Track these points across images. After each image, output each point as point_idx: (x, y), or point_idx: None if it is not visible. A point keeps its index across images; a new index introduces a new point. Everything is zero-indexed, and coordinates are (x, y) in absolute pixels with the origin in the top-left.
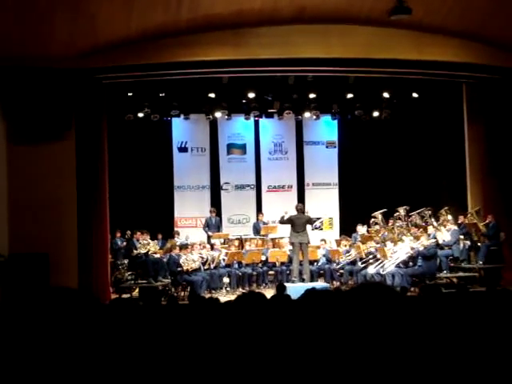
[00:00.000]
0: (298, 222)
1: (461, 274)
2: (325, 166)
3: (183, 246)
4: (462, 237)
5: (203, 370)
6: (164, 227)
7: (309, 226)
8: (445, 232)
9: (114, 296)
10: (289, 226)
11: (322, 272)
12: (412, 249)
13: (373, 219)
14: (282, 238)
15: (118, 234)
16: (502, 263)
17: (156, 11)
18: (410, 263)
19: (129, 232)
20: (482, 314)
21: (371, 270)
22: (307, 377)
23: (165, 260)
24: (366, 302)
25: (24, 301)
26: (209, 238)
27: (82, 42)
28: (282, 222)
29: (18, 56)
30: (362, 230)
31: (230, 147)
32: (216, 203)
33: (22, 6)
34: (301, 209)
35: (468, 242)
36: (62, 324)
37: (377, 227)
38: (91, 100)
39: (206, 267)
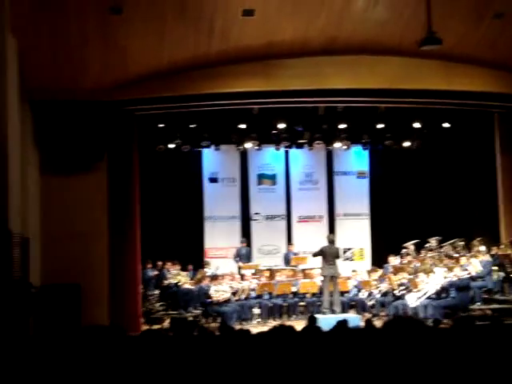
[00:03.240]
0: (329, 253)
1: (495, 305)
2: (356, 196)
3: (213, 277)
4: (495, 268)
5: None
6: (194, 258)
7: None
8: (477, 263)
9: (144, 327)
10: (319, 257)
11: (353, 303)
12: (445, 279)
13: (404, 250)
14: (312, 268)
15: (149, 265)
16: None
17: (187, 44)
18: (443, 295)
19: (160, 263)
20: None
21: (411, 299)
22: None
23: (195, 291)
24: (398, 337)
25: (56, 337)
26: (239, 268)
27: (113, 74)
28: (315, 254)
29: (52, 89)
30: (394, 261)
31: (261, 177)
32: (246, 233)
33: (56, 41)
34: (332, 239)
35: (502, 274)
36: (94, 360)
37: (409, 258)
38: (123, 131)
39: (236, 298)
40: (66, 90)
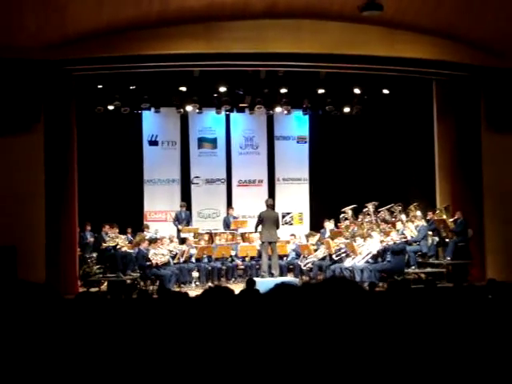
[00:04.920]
0: (268, 218)
1: (429, 269)
2: (295, 161)
3: (152, 240)
4: (430, 233)
5: (170, 364)
6: (133, 221)
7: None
8: (413, 228)
9: (82, 290)
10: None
11: (291, 267)
12: (382, 243)
13: (342, 214)
14: (251, 232)
15: (88, 228)
16: (470, 259)
17: (127, 3)
18: (379, 259)
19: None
20: (449, 310)
21: (347, 263)
22: (273, 371)
23: (134, 254)
24: (333, 297)
25: None
26: (178, 232)
27: (51, 33)
28: (257, 225)
29: None
30: (329, 225)
31: (201, 141)
32: (186, 197)
33: None
34: (271, 204)
35: (436, 238)
36: (24, 318)
37: (346, 223)
38: (60, 92)
39: (175, 261)
40: (1, 47)
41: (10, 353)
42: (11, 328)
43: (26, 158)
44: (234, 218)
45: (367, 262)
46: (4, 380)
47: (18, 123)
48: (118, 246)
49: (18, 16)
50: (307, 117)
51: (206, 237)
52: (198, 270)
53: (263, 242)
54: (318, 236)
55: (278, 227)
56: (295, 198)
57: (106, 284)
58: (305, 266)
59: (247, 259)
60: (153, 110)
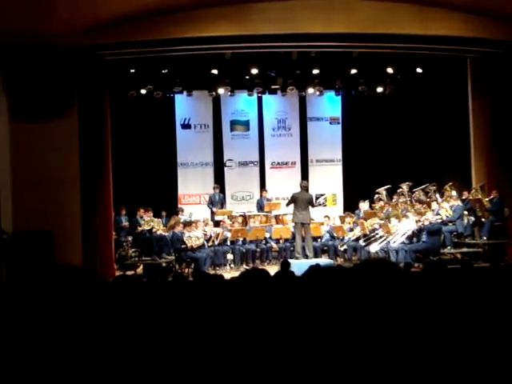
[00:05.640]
0: (301, 200)
1: (465, 249)
2: (328, 142)
3: (187, 223)
4: (466, 212)
5: (206, 347)
6: (168, 204)
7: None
8: (448, 208)
9: (118, 273)
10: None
11: (325, 248)
12: (418, 223)
13: (377, 195)
14: (285, 214)
15: (123, 212)
16: (506, 239)
17: None
18: (414, 239)
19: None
20: (485, 290)
21: (375, 247)
22: (310, 354)
23: (169, 237)
24: (369, 279)
25: (28, 279)
26: (212, 214)
27: (83, 18)
28: (288, 203)
29: (20, 33)
30: (364, 206)
31: (234, 124)
32: (219, 180)
33: None
34: (305, 186)
35: (472, 218)
36: (66, 302)
37: (381, 203)
38: (93, 77)
39: (209, 244)
40: (35, 34)
41: (55, 334)
42: (56, 311)
43: (60, 143)
44: (268, 200)
45: (402, 242)
46: (49, 362)
47: (52, 108)
48: (153, 230)
49: (51, 2)
50: (340, 97)
51: (240, 219)
52: (233, 253)
53: (296, 223)
54: (352, 217)
55: (312, 206)
56: (328, 179)
57: (141, 267)
58: (342, 246)
59: (281, 241)
60: (185, 93)
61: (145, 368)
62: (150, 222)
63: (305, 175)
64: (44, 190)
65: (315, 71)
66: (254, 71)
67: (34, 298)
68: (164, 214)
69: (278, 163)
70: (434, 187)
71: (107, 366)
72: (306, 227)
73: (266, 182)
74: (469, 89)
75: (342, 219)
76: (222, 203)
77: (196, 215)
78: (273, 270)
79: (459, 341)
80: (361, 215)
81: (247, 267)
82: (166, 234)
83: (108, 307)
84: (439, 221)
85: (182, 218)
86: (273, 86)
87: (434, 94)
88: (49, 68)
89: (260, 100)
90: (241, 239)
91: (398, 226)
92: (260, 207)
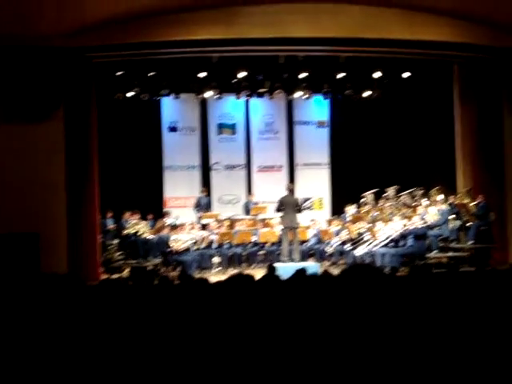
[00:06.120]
0: (289, 203)
1: (451, 253)
2: (315, 145)
3: (173, 226)
4: (452, 217)
5: (192, 349)
6: (154, 207)
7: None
8: (434, 212)
9: (104, 276)
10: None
11: (312, 252)
12: (404, 227)
13: (363, 199)
14: (272, 218)
15: (110, 214)
16: (492, 243)
17: None
18: (401, 243)
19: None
20: (471, 294)
21: (361, 251)
22: (295, 356)
23: (155, 240)
24: (355, 284)
25: (14, 286)
26: (199, 218)
27: (71, 20)
28: (277, 209)
29: (6, 34)
30: (351, 210)
31: (221, 127)
32: (206, 183)
33: None
34: (291, 189)
35: (458, 222)
36: (51, 308)
37: (367, 207)
38: (80, 79)
39: (196, 247)
40: (21, 36)
41: (42, 336)
42: (41, 317)
43: (46, 146)
44: (254, 203)
45: (387, 246)
46: (33, 367)
47: (38, 110)
48: (139, 233)
49: (38, 4)
50: (327, 101)
51: (227, 222)
52: (219, 256)
53: (284, 228)
54: (339, 221)
55: (299, 211)
56: (315, 183)
57: (127, 270)
58: (328, 250)
59: (268, 245)
60: (172, 96)
61: (132, 370)
62: (136, 225)
63: (291, 179)
64: (30, 191)
65: (303, 75)
66: (242, 74)
67: (18, 304)
68: (150, 216)
69: (265, 167)
70: (421, 191)
71: (94, 369)
72: (294, 231)
73: (252, 186)
74: (455, 93)
75: (329, 223)
76: (209, 206)
77: (182, 218)
78: (259, 273)
79: (445, 343)
80: (347, 219)
81: (234, 270)
82: (153, 237)
83: (93, 312)
84: (425, 225)
85: (169, 221)
86: (260, 90)
87: (420, 99)
88: (35, 70)
89: (247, 103)
90: (227, 242)
91: (383, 229)
92: (247, 211)
